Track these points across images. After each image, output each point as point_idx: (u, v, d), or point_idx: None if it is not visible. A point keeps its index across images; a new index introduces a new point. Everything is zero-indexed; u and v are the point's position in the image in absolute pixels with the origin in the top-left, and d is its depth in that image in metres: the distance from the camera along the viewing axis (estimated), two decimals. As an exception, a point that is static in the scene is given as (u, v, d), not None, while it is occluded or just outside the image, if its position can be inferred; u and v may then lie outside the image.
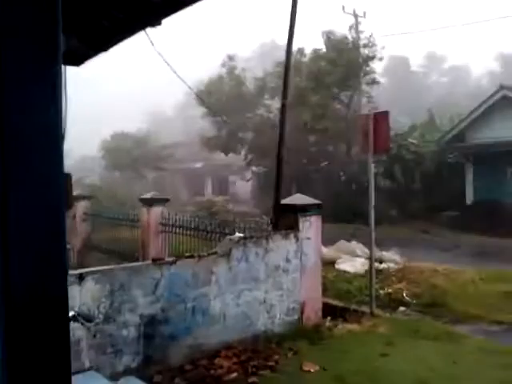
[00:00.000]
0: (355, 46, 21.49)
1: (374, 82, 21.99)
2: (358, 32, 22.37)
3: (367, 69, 21.60)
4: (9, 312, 0.87)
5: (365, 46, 21.67)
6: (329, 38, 21.63)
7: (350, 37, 22.03)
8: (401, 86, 39.17)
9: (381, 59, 22.21)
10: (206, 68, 25.35)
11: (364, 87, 21.97)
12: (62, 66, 1.04)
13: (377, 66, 22.68)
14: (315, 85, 19.48)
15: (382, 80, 44.07)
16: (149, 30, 3.42)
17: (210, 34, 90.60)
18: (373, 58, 21.58)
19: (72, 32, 3.32)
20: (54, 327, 0.94)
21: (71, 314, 2.26)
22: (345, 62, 20.34)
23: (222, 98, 23.04)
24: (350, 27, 22.13)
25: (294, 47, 8.04)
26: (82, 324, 2.33)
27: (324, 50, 21.71)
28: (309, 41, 22.55)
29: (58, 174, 0.95)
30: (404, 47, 63.59)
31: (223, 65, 24.72)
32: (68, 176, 1.07)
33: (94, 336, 3.58)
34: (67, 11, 2.82)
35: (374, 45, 21.71)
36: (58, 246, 0.96)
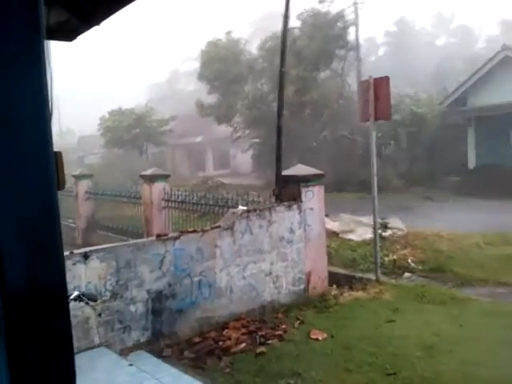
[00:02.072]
0: (328, 17, 21.34)
1: (352, 48, 21.93)
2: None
3: (347, 38, 21.54)
4: (6, 298, 0.85)
5: (339, 16, 21.50)
6: (304, 14, 21.53)
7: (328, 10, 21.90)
8: (405, 51, 38.57)
9: (351, 25, 22.02)
10: (205, 40, 24.87)
11: (354, 55, 21.90)
12: (51, 42, 0.98)
13: (378, 32, 22.67)
14: (296, 61, 19.44)
15: (383, 46, 43.45)
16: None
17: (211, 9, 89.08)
18: (346, 27, 21.48)
19: (62, 5, 3.22)
20: (53, 310, 0.92)
21: (75, 294, 2.26)
22: (320, 34, 20.34)
23: (219, 66, 22.89)
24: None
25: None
26: (87, 303, 2.33)
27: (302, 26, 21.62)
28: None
29: (47, 152, 0.91)
30: (410, 9, 62.62)
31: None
32: (58, 154, 1.02)
33: (100, 315, 3.60)
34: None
35: (346, 15, 21.67)
36: (51, 228, 0.92)
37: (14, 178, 0.87)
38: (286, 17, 6.83)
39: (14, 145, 0.87)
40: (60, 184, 1.06)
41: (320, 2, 21.45)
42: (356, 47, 22.19)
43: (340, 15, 21.39)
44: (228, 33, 24.34)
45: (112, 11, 3.36)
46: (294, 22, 21.12)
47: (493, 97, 18.05)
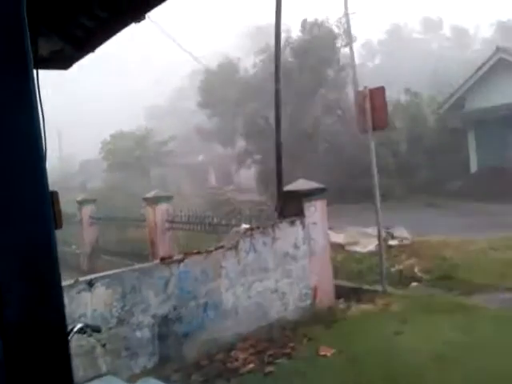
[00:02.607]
0: (325, 28, 21.64)
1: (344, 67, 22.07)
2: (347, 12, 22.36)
3: (341, 50, 21.86)
4: (5, 335, 0.85)
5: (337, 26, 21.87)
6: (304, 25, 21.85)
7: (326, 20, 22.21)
8: (401, 57, 38.82)
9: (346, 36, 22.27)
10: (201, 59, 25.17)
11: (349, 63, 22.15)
12: (44, 73, 0.98)
13: (374, 38, 23.10)
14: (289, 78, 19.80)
15: (379, 53, 43.66)
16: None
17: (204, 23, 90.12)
18: (337, 37, 21.89)
19: (55, 35, 3.28)
20: (52, 346, 0.93)
21: (79, 326, 2.27)
22: (317, 45, 20.70)
23: (217, 89, 23.07)
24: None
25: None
26: (91, 335, 2.34)
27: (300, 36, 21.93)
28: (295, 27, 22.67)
29: (42, 193, 0.92)
30: (402, 15, 63.11)
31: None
32: (54, 194, 1.04)
33: (104, 346, 3.60)
34: (47, 13, 2.78)
35: (343, 24, 21.94)
36: (50, 266, 0.93)
37: (10, 218, 0.88)
38: (278, 35, 6.90)
39: (8, 186, 0.88)
40: (57, 223, 1.07)
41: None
42: (350, 58, 22.36)
43: (333, 33, 21.70)
44: (226, 56, 24.61)
45: (106, 38, 3.42)
46: (290, 33, 21.46)
47: (490, 99, 18.09)
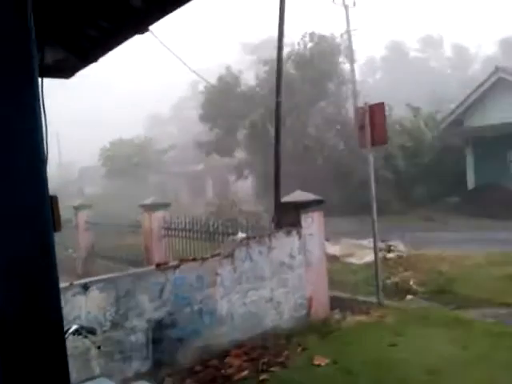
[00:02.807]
0: (327, 42, 21.87)
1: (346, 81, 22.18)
2: (348, 23, 22.62)
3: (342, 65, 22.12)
4: (3, 335, 0.86)
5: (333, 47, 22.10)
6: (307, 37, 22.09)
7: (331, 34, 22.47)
8: (400, 74, 39.11)
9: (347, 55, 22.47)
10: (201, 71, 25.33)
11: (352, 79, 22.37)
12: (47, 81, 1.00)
13: (375, 55, 23.32)
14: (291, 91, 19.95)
15: (379, 70, 44.03)
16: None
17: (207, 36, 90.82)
18: (339, 53, 22.09)
19: (59, 44, 3.32)
20: (49, 345, 0.94)
21: (74, 327, 2.28)
22: (318, 58, 21.03)
23: (218, 101, 23.19)
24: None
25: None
26: (86, 337, 2.34)
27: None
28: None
29: (42, 197, 0.94)
30: (402, 33, 63.63)
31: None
32: (53, 198, 1.06)
33: (99, 348, 3.59)
34: (52, 23, 2.82)
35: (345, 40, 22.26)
36: (48, 266, 0.95)
37: (11, 220, 0.89)
38: (280, 48, 6.97)
39: (11, 189, 0.89)
40: (56, 226, 1.09)
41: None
42: (351, 74, 22.57)
43: (335, 48, 21.92)
44: (227, 68, 24.75)
45: (109, 48, 3.45)
46: (294, 46, 21.69)
47: (489, 117, 18.27)
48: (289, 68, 20.96)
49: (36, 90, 0.92)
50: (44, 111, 1.37)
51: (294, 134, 19.74)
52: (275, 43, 7.20)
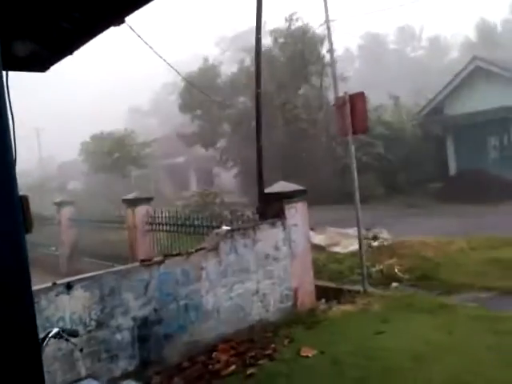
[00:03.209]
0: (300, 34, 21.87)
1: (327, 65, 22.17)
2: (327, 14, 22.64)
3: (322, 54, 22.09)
4: None
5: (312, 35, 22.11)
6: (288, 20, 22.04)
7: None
8: (377, 64, 39.27)
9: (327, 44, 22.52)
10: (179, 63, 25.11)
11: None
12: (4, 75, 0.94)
13: (351, 45, 23.34)
14: (272, 79, 19.91)
15: (358, 59, 44.21)
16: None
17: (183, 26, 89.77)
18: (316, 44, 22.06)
19: (32, 37, 3.22)
20: (23, 350, 0.90)
21: (55, 331, 2.22)
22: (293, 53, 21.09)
23: (197, 92, 23.05)
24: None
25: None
26: (67, 340, 2.29)
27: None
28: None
29: (12, 197, 0.90)
30: (379, 24, 63.71)
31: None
32: (24, 198, 1.01)
33: (81, 350, 3.54)
34: (22, 15, 2.72)
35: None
36: (19, 269, 0.91)
37: None
38: (258, 39, 6.90)
39: None
40: (28, 227, 1.04)
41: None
42: (331, 63, 22.57)
43: (314, 34, 21.91)
44: (205, 59, 24.57)
45: (84, 41, 3.36)
46: (266, 40, 21.65)
47: (467, 106, 18.50)
48: (272, 50, 21.11)
49: (0, 85, 0.87)
50: (10, 106, 1.29)
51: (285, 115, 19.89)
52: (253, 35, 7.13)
